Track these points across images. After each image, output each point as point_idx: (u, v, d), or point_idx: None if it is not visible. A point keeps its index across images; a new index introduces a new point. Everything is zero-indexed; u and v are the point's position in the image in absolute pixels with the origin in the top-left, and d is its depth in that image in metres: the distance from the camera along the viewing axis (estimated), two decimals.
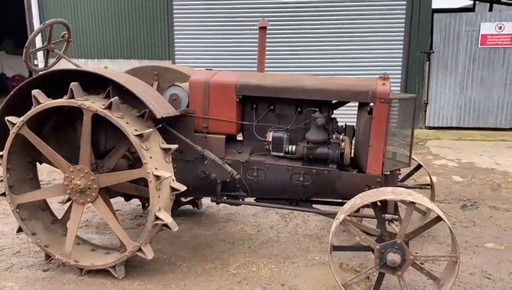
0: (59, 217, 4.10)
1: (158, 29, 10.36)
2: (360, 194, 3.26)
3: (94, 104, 3.37)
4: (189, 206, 5.20)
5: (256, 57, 4.48)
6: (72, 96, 3.40)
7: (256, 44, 4.45)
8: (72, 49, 10.74)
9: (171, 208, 3.68)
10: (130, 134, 3.31)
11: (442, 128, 9.72)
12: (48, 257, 3.83)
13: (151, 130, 3.39)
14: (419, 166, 4.51)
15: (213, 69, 4.12)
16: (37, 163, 4.03)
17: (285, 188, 3.79)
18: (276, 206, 3.98)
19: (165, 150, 3.57)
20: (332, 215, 3.64)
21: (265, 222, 4.87)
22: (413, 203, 3.05)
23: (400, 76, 9.69)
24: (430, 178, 4.53)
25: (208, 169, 3.71)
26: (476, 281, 3.66)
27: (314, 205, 4.01)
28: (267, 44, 4.43)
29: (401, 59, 9.66)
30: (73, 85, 3.40)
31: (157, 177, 3.36)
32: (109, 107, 3.34)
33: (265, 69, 4.53)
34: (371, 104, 3.52)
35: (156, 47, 10.42)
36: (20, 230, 3.83)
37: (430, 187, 4.54)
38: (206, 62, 9.62)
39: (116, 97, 3.37)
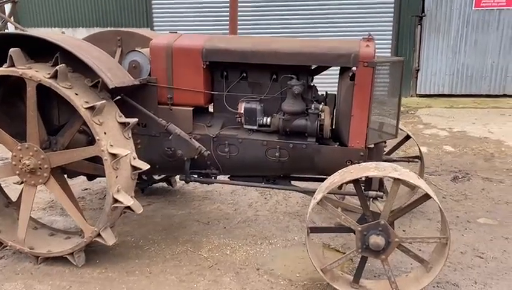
0: (14, 200, 3.74)
1: None
2: (340, 171, 2.92)
3: (38, 72, 2.96)
4: (163, 184, 4.85)
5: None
6: (13, 65, 2.98)
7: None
8: (43, 17, 10.15)
9: (137, 188, 3.32)
10: (79, 106, 2.92)
11: (433, 96, 9.35)
12: (1, 243, 3.48)
13: (103, 102, 2.99)
14: (407, 137, 4.17)
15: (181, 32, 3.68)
16: None
17: (260, 164, 3.44)
18: (251, 184, 3.64)
19: (123, 125, 3.18)
20: (312, 192, 3.31)
21: (243, 200, 4.54)
22: (399, 180, 2.71)
23: (390, 41, 9.25)
24: (419, 150, 4.20)
25: (173, 145, 3.33)
26: (467, 261, 3.38)
27: (293, 182, 3.67)
28: (243, 3, 3.98)
29: (391, 23, 9.20)
30: (13, 51, 2.97)
31: (114, 155, 2.98)
32: (55, 76, 2.93)
33: (240, 32, 4.10)
34: (354, 68, 3.13)
35: (133, 13, 9.83)
36: None
37: (419, 159, 4.22)
38: (188, 29, 9.09)
39: (63, 64, 2.96)
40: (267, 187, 3.66)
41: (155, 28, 9.61)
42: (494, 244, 3.63)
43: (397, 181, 2.72)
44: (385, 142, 3.47)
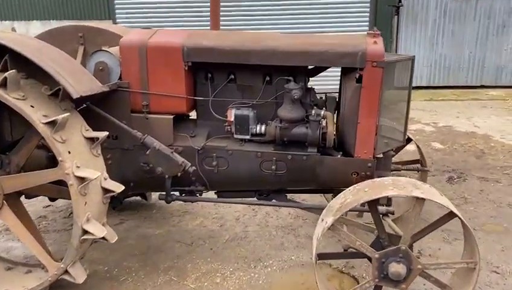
0: None
1: None
2: (351, 188, 2.51)
3: None
4: (137, 198, 4.32)
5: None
6: None
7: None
8: None
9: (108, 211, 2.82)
10: (36, 122, 2.39)
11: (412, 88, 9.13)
12: None
13: (67, 114, 2.46)
14: (408, 139, 3.81)
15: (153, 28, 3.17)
16: None
17: (254, 178, 3.00)
18: (242, 202, 3.21)
19: (91, 140, 2.66)
20: (317, 209, 2.92)
21: (229, 213, 4.08)
22: (423, 199, 2.33)
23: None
24: (421, 153, 3.84)
25: (151, 161, 2.83)
26: (483, 278, 3.07)
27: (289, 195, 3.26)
28: None
29: (368, 13, 8.88)
30: None
31: (81, 178, 2.46)
32: (3, 84, 2.38)
33: (221, 27, 3.62)
34: (360, 69, 2.72)
35: (94, 5, 9.06)
36: None
37: (419, 164, 3.88)
38: (155, 23, 8.44)
39: (13, 71, 2.40)
40: (260, 204, 3.23)
41: (118, 20, 8.89)
42: (506, 255, 3.35)
43: (421, 201, 2.35)
44: (393, 150, 3.10)
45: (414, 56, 2.94)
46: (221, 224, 3.90)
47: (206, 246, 3.55)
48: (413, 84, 9.48)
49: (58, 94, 2.57)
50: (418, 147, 3.81)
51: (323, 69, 2.99)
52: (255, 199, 3.23)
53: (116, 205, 4.03)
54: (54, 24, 8.85)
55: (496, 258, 3.32)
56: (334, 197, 3.81)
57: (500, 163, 5.20)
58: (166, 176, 2.89)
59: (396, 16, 8.89)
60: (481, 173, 4.92)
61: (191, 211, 4.14)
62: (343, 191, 2.53)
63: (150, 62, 2.86)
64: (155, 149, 2.80)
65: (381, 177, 2.94)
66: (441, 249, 3.46)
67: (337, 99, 3.03)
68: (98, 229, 2.61)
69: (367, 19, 8.90)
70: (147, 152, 2.82)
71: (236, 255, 3.41)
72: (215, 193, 3.31)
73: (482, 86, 9.02)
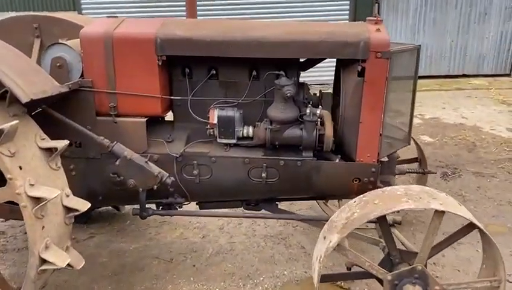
0: None
1: None
2: (357, 200, 2.17)
3: None
4: (108, 208, 3.89)
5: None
6: None
7: None
8: None
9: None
10: None
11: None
12: None
13: (15, 122, 2.02)
14: None
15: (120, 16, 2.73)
16: None
17: (241, 188, 2.64)
18: (227, 214, 2.84)
19: (49, 151, 2.23)
20: (316, 221, 2.58)
21: (212, 221, 3.70)
22: (443, 212, 2.01)
23: (347, 21, 8.62)
24: (422, 151, 3.54)
25: (122, 173, 2.42)
26: None
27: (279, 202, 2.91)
28: None
29: (348, 1, 8.58)
30: None
31: (36, 199, 2.04)
32: None
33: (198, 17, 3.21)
34: (362, 61, 2.37)
35: None
36: None
37: (418, 162, 3.59)
38: (125, 14, 7.90)
39: None
40: (248, 217, 2.87)
41: (84, 11, 8.30)
42: None
43: (440, 214, 2.02)
44: (397, 152, 2.77)
45: (420, 45, 2.62)
46: (204, 235, 3.52)
47: (188, 262, 3.17)
48: None
49: (5, 97, 2.13)
50: (417, 145, 3.51)
51: (318, 61, 2.63)
52: (241, 209, 2.87)
53: (84, 220, 3.61)
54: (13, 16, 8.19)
55: (507, 264, 2.98)
56: (326, 202, 3.54)
57: (493, 156, 4.99)
58: (140, 189, 2.48)
59: (377, 4, 8.58)
60: (475, 167, 4.69)
61: (170, 221, 3.73)
62: (348, 203, 2.19)
63: (117, 57, 2.44)
64: (126, 158, 2.39)
65: (385, 182, 2.64)
66: (445, 256, 3.17)
67: (332, 96, 2.68)
68: (59, 257, 2.18)
69: (347, 7, 8.60)
70: (117, 162, 2.41)
71: (222, 272, 3.04)
72: (196, 203, 2.92)
73: (464, 75, 8.86)
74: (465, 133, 5.72)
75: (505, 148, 5.18)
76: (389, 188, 2.18)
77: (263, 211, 2.85)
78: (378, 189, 2.21)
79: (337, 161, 2.54)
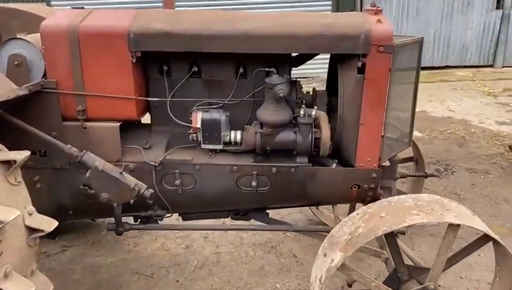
0: None
1: None
2: (360, 213, 1.93)
3: None
4: None
5: None
6: None
7: None
8: None
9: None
10: None
11: None
12: None
13: None
14: None
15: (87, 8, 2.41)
16: None
17: (229, 198, 2.38)
18: (213, 227, 2.60)
19: (7, 164, 1.92)
20: (316, 233, 2.35)
21: (195, 230, 3.42)
22: (458, 225, 1.80)
23: (329, 11, 8.39)
24: (419, 151, 3.34)
25: (93, 186, 2.13)
26: None
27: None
28: None
29: None
30: None
31: None
32: None
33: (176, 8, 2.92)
34: (362, 56, 2.13)
35: None
36: None
37: (413, 161, 3.39)
38: (97, 5, 7.47)
39: None
40: (237, 229, 2.61)
41: (53, 2, 7.83)
42: None
43: (455, 228, 1.81)
44: (397, 155, 2.54)
45: (423, 38, 2.39)
46: (187, 245, 3.25)
47: (171, 277, 2.90)
48: None
49: None
50: (414, 143, 3.30)
51: (311, 56, 2.38)
52: (228, 220, 2.62)
53: (53, 236, 3.29)
54: None
55: None
56: (318, 206, 3.31)
57: (485, 151, 4.85)
58: (115, 204, 2.20)
59: None
60: (468, 163, 4.54)
61: (149, 230, 3.44)
62: (350, 216, 1.95)
63: (84, 53, 2.13)
64: (97, 169, 2.09)
65: (385, 188, 2.42)
66: None
67: (327, 95, 2.43)
68: (21, 287, 1.89)
69: None
70: (87, 174, 2.11)
71: (209, 287, 2.79)
72: (179, 214, 2.66)
73: (447, 67, 8.76)
74: (454, 127, 5.58)
75: (495, 142, 5.06)
76: (396, 198, 1.95)
77: (252, 221, 2.62)
78: (384, 199, 1.97)
79: (335, 166, 2.31)
